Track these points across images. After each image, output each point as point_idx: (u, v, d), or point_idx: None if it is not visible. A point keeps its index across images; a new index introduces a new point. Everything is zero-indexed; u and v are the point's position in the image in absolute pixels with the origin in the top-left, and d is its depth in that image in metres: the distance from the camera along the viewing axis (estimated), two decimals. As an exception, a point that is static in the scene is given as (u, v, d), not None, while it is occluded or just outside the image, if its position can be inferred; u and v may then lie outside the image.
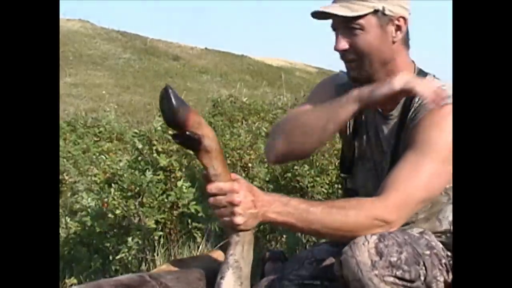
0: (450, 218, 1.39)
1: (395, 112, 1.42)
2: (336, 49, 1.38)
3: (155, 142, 2.59)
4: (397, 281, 1.19)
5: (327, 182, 2.89)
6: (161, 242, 2.45)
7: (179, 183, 2.46)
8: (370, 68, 1.38)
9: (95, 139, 5.39)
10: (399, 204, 1.26)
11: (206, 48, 23.63)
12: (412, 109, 1.38)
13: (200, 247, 2.54)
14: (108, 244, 2.53)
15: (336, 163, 2.83)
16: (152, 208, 2.41)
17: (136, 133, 2.75)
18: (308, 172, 2.92)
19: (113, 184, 2.51)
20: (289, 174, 2.99)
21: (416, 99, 1.38)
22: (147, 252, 2.45)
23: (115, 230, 2.54)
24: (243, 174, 3.07)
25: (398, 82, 1.29)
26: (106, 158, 3.62)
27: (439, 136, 1.29)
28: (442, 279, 1.27)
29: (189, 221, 2.51)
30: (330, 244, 1.54)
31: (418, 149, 1.30)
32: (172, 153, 2.59)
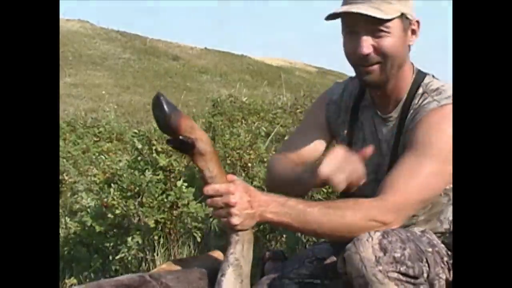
0: (451, 218, 1.39)
1: (394, 114, 1.42)
2: (359, 52, 1.33)
3: (154, 142, 2.59)
4: (401, 277, 1.19)
5: (327, 181, 2.87)
6: (161, 242, 2.45)
7: (179, 183, 2.45)
8: (390, 72, 1.36)
9: (95, 139, 5.38)
10: (397, 205, 1.26)
11: (205, 48, 23.63)
12: (411, 111, 1.38)
13: (200, 247, 2.54)
14: (108, 244, 2.53)
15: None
16: (152, 208, 2.40)
17: (135, 133, 2.75)
18: (308, 172, 2.90)
19: (112, 184, 2.51)
20: (289, 174, 2.97)
21: (415, 100, 1.38)
22: (147, 252, 2.45)
23: (115, 230, 2.54)
24: (243, 174, 3.07)
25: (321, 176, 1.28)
26: (106, 158, 3.62)
27: (437, 136, 1.29)
28: (444, 276, 1.27)
29: (189, 221, 2.50)
30: (331, 243, 1.54)
31: (417, 150, 1.29)
32: (172, 153, 2.59)
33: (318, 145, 1.56)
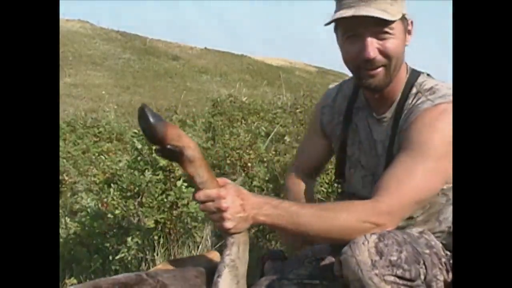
0: (450, 218, 1.38)
1: (388, 114, 1.41)
2: (365, 56, 1.31)
3: (154, 142, 2.59)
4: (397, 280, 1.19)
5: (327, 181, 2.88)
6: (161, 242, 2.45)
7: (179, 183, 2.45)
8: (393, 74, 1.36)
9: (95, 139, 5.38)
10: (391, 207, 1.24)
11: (205, 48, 23.62)
12: (405, 111, 1.37)
13: (200, 247, 2.54)
14: (107, 244, 2.53)
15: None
16: (152, 208, 2.40)
17: (135, 133, 2.74)
18: (307, 172, 2.90)
19: (112, 184, 2.51)
20: (289, 174, 2.98)
21: (409, 100, 1.37)
22: (147, 252, 2.45)
23: (114, 230, 2.54)
24: (243, 174, 3.07)
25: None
26: (106, 158, 3.62)
27: (432, 136, 1.27)
28: (442, 278, 1.26)
29: (189, 221, 2.50)
30: (330, 244, 1.54)
31: (411, 149, 1.28)
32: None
33: (321, 151, 1.65)
